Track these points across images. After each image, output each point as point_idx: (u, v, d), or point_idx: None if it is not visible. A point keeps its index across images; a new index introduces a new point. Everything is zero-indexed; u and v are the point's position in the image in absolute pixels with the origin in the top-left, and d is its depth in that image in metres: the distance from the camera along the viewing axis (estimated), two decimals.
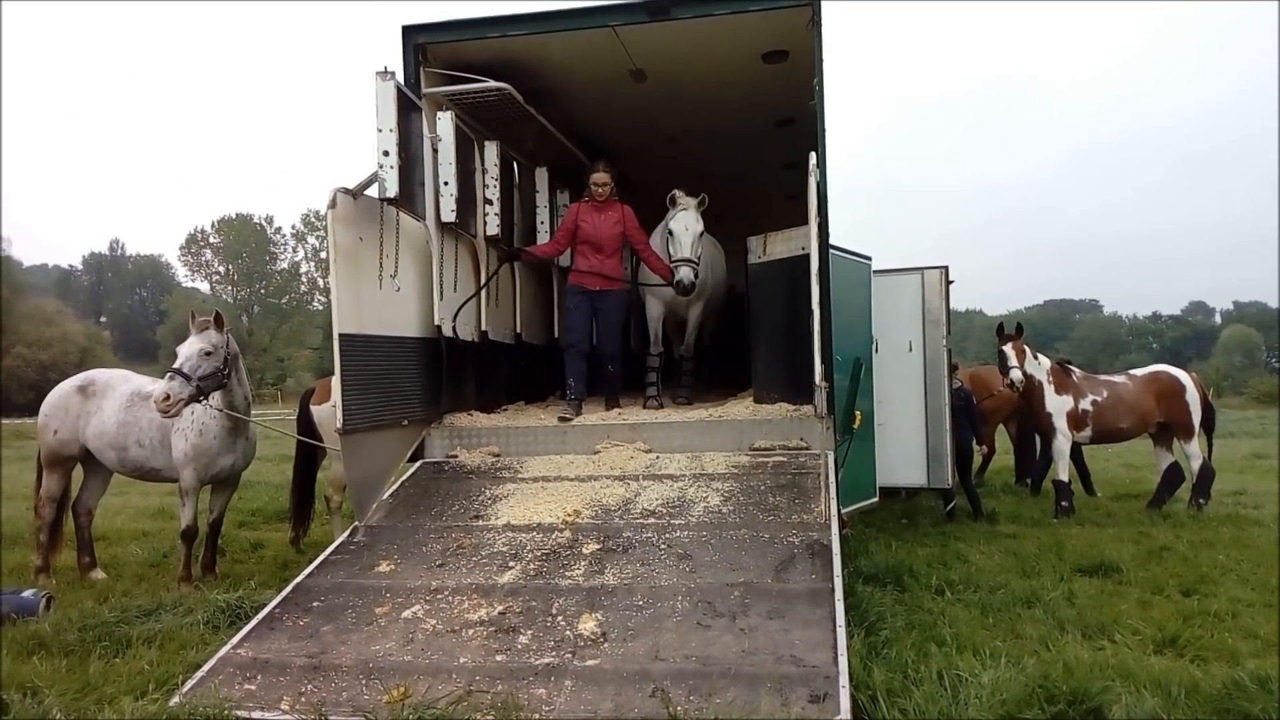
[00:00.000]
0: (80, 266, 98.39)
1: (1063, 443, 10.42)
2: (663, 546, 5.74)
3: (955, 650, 5.14)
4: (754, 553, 5.55)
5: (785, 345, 7.89)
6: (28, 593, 6.54)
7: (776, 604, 4.92)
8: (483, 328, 8.59)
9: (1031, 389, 10.47)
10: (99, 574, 7.82)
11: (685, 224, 8.20)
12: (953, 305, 9.81)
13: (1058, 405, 10.46)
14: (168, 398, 6.67)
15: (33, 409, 8.09)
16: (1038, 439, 11.95)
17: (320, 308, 73.83)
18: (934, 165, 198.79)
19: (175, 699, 4.33)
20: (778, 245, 8.07)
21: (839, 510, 6.06)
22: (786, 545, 5.61)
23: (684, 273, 8.11)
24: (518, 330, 9.63)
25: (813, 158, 6.92)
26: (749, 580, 5.18)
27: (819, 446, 6.93)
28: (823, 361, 6.56)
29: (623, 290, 8.51)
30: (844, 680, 4.14)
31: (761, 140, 10.67)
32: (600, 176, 8.20)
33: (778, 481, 6.62)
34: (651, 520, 6.15)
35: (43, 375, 44.73)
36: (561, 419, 7.83)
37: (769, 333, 8.18)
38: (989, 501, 10.65)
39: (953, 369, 9.99)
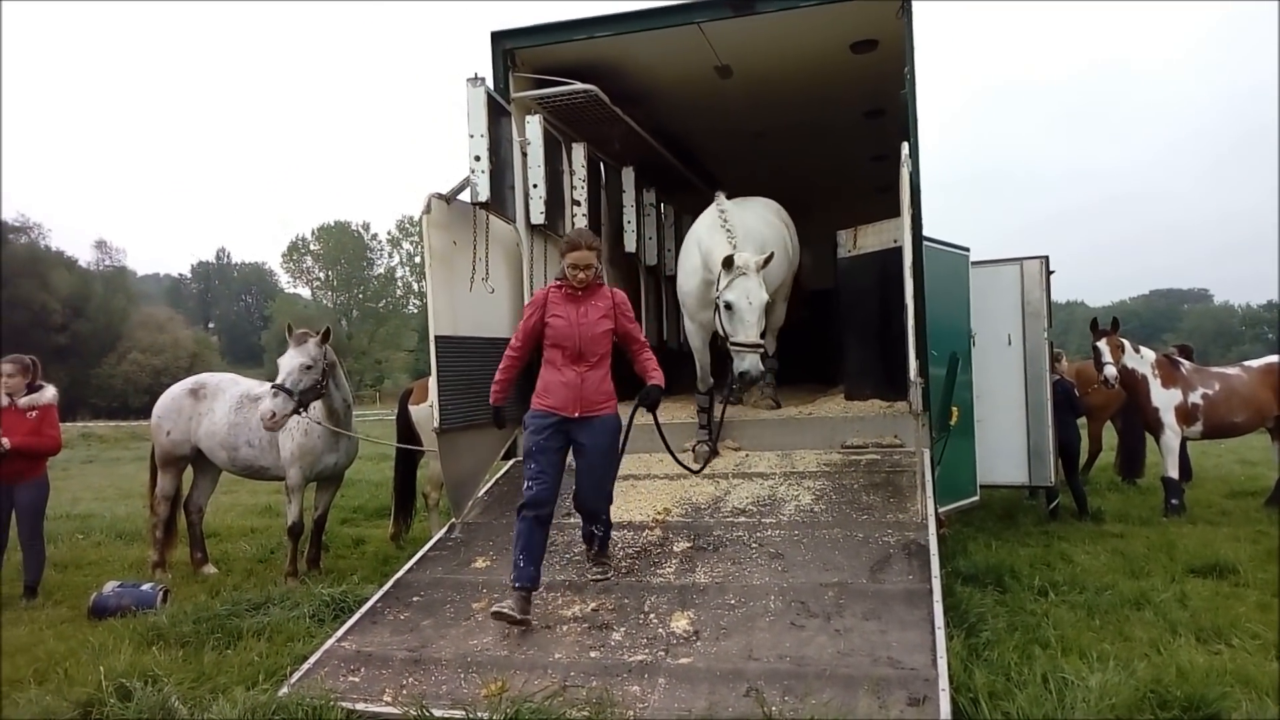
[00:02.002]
0: (189, 275, 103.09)
1: (1171, 438, 9.96)
2: (754, 545, 5.70)
3: (1060, 653, 4.96)
4: (848, 552, 5.46)
5: (877, 340, 7.75)
6: (146, 586, 6.89)
7: (872, 605, 4.84)
8: None
9: (1136, 383, 10.04)
10: (210, 569, 8.18)
11: (748, 294, 6.37)
12: (1053, 296, 9.48)
13: (1165, 399, 10.00)
14: (273, 415, 6.92)
15: (147, 412, 8.50)
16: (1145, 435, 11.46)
17: (415, 311, 75.60)
18: (1030, 151, 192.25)
19: (284, 689, 4.49)
20: (869, 238, 7.92)
21: (936, 509, 5.93)
22: (882, 545, 5.51)
23: (749, 362, 6.31)
24: None
25: (904, 148, 6.78)
26: (843, 580, 5.10)
27: (914, 444, 6.78)
28: (918, 357, 6.41)
29: (614, 417, 5.44)
30: (944, 683, 4.04)
31: (850, 132, 10.50)
32: (582, 256, 5.26)
33: (871, 480, 6.51)
34: (742, 519, 6.12)
35: (156, 380, 46.96)
36: (500, 615, 4.91)
37: (860, 328, 8.03)
38: (1094, 499, 10.25)
39: (1055, 360, 9.65)
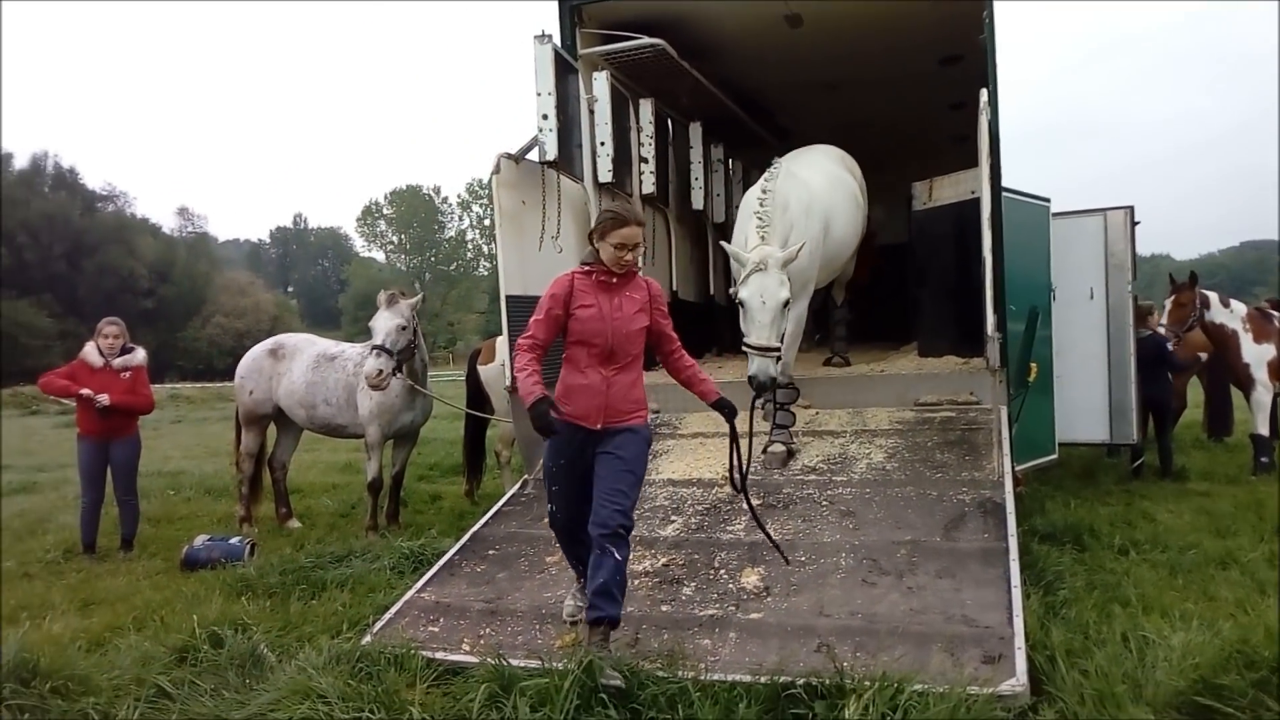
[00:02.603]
0: (268, 240, 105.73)
1: (1263, 394, 9.56)
2: (824, 503, 5.68)
3: (1141, 611, 4.84)
4: (921, 510, 5.40)
5: (953, 295, 7.57)
6: (234, 540, 7.17)
7: (946, 563, 4.78)
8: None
9: (1225, 338, 9.65)
10: (295, 523, 8.47)
11: (762, 292, 5.72)
12: (1138, 249, 9.13)
13: (1257, 355, 9.58)
14: (380, 373, 7.10)
15: (231, 373, 8.79)
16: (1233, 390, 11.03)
17: (485, 273, 76.51)
18: (1117, 98, 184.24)
19: (367, 638, 4.64)
20: (945, 190, 7.72)
21: (1013, 467, 5.81)
22: (956, 503, 5.43)
23: (757, 366, 5.65)
24: (673, 288, 9.66)
25: (983, 95, 6.55)
26: (916, 538, 5.05)
27: (991, 401, 6.64)
28: (995, 311, 6.25)
29: (644, 429, 4.44)
30: (1019, 641, 3.99)
31: (925, 80, 10.18)
32: (631, 234, 4.33)
33: (946, 438, 6.41)
34: (812, 477, 6.09)
35: (239, 342, 48.41)
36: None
37: (935, 283, 7.86)
38: (1178, 458, 9.92)
39: (1146, 314, 9.32)
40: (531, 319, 4.35)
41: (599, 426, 4.28)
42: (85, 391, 7.04)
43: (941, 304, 7.82)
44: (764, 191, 6.27)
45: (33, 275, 57.40)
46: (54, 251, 60.33)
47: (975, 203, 6.79)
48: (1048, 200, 8.04)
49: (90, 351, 7.30)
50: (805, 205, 6.61)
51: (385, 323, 7.33)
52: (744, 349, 5.86)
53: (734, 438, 4.66)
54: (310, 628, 5.09)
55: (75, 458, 7.46)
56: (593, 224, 4.48)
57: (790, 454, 6.46)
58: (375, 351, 7.19)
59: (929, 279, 7.95)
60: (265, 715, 3.78)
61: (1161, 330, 9.42)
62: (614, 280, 4.36)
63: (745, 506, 5.06)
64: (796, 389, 6.84)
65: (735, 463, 4.72)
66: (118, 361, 7.31)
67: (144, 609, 5.67)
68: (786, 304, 5.77)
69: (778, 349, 5.72)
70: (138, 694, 4.09)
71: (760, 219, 6.11)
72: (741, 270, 5.86)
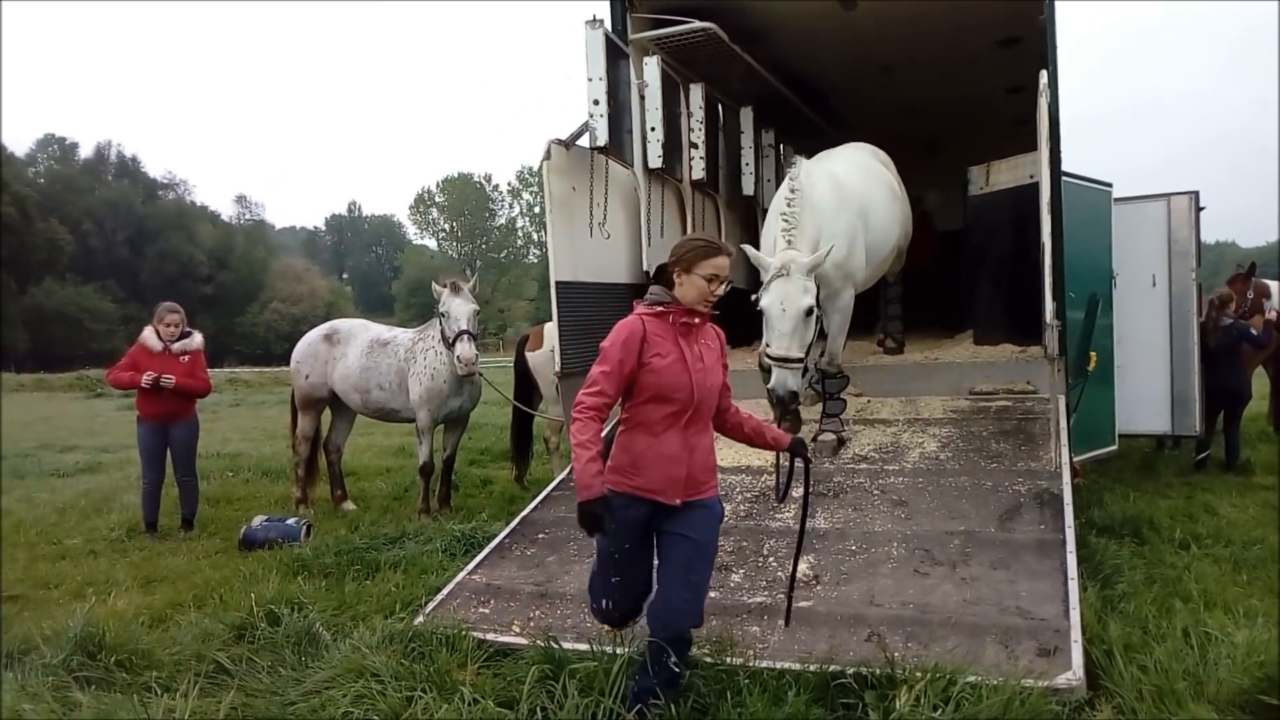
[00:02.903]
0: (323, 228, 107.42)
1: None
2: (876, 492, 5.61)
3: (1203, 607, 4.73)
4: (975, 501, 5.32)
5: (1010, 282, 7.43)
6: (290, 521, 7.31)
7: (1001, 554, 4.71)
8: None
9: None
10: (349, 505, 8.61)
11: (783, 299, 5.36)
12: (1202, 236, 8.86)
13: None
14: (475, 359, 7.43)
15: (288, 358, 8.95)
16: None
17: (535, 260, 76.91)
18: (1181, 81, 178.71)
19: (419, 619, 4.71)
20: (1002, 174, 7.56)
21: (1071, 458, 5.69)
22: (1012, 494, 5.33)
23: (776, 379, 5.33)
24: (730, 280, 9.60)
25: (1043, 77, 6.40)
26: (970, 529, 4.97)
27: (1048, 390, 6.50)
28: (1054, 299, 6.11)
29: (717, 501, 3.83)
30: (1075, 634, 3.91)
31: (982, 62, 9.97)
32: (724, 263, 3.72)
33: (1001, 427, 6.29)
34: (864, 465, 6.02)
35: (295, 328, 49.36)
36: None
37: (992, 269, 7.71)
38: (1242, 451, 9.64)
39: (1226, 302, 9.06)
40: (596, 370, 3.58)
41: (678, 502, 3.56)
42: (149, 375, 7.20)
43: (998, 291, 7.67)
44: (791, 191, 5.91)
45: (97, 261, 59.13)
46: (117, 238, 62.12)
47: (1034, 187, 6.64)
48: (1109, 185, 7.84)
49: (149, 336, 7.44)
50: (837, 201, 6.36)
51: (463, 308, 7.50)
52: (763, 360, 5.52)
53: (791, 471, 4.31)
54: (364, 608, 5.18)
55: (136, 440, 7.63)
56: (671, 256, 3.72)
57: (841, 442, 6.33)
58: (465, 338, 7.39)
59: (985, 265, 7.80)
60: (320, 693, 3.86)
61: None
62: (695, 322, 3.67)
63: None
64: (846, 377, 6.68)
65: (785, 484, 4.48)
66: (176, 346, 7.45)
67: (203, 587, 5.82)
68: (810, 312, 5.34)
69: (799, 360, 5.30)
70: (197, 669, 4.19)
71: (786, 221, 5.76)
72: (765, 275, 5.51)
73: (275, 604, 4.97)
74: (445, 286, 7.68)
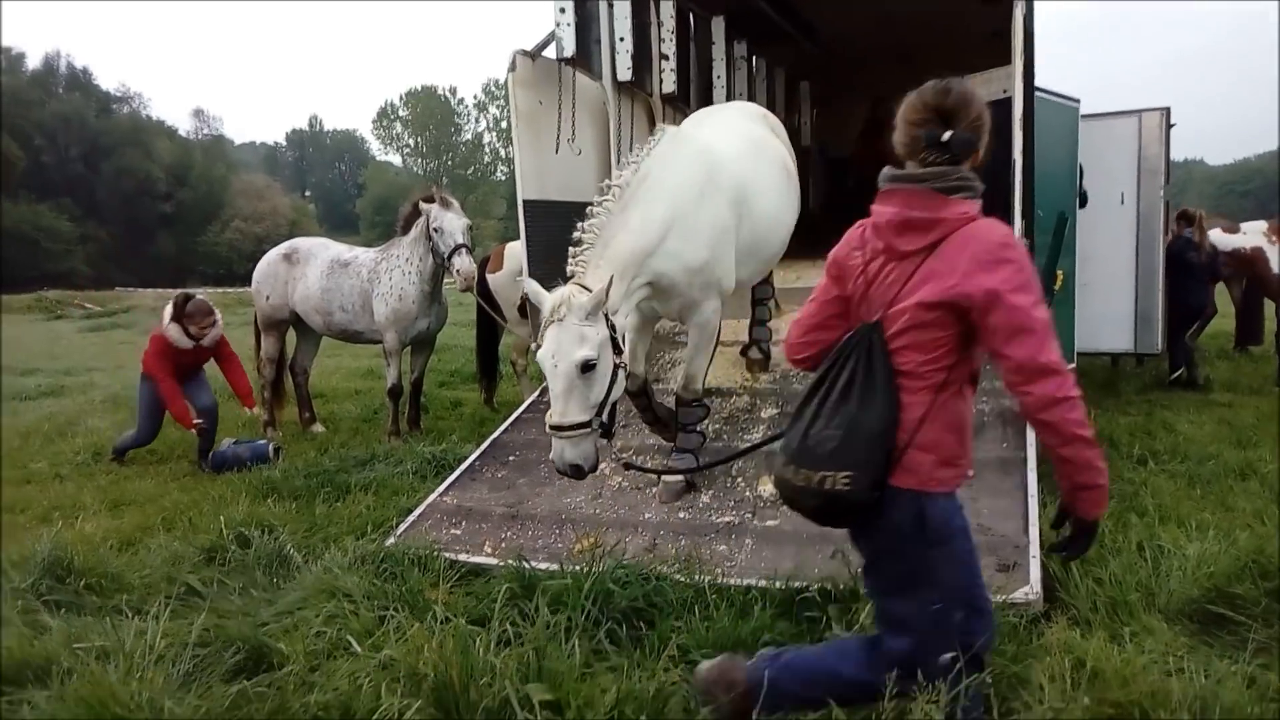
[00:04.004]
0: (284, 143, 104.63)
1: None
2: None
3: (1158, 521, 4.85)
4: None
5: (982, 199, 7.39)
6: (260, 443, 7.29)
7: None
8: None
9: (1250, 260, 9.47)
10: (319, 428, 8.59)
11: (553, 353, 4.01)
12: (1171, 154, 8.86)
13: None
14: (474, 273, 7.40)
15: (251, 278, 8.79)
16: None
17: (503, 178, 75.63)
18: None
19: (391, 540, 4.74)
20: (977, 89, 7.45)
21: None
22: (975, 413, 5.37)
23: (554, 451, 4.12)
24: None
25: None
26: None
27: None
28: (1023, 217, 6.10)
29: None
30: (1034, 549, 4.01)
31: None
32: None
33: None
34: None
35: (258, 247, 48.29)
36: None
37: None
38: (1203, 368, 9.82)
39: (1192, 220, 9.13)
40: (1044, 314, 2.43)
41: (936, 490, 2.59)
42: (198, 422, 7.10)
43: None
44: (604, 190, 4.55)
45: (51, 178, 57.27)
46: (71, 154, 60.08)
47: (1006, 103, 6.56)
48: (1077, 101, 7.76)
49: (178, 336, 7.12)
50: (701, 184, 4.81)
51: (457, 223, 7.43)
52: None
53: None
54: (335, 529, 5.20)
55: (137, 394, 7.46)
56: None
57: (689, 486, 5.10)
58: (462, 251, 7.33)
59: None
60: (293, 613, 3.89)
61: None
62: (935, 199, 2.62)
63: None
64: (706, 407, 5.36)
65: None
66: (206, 341, 7.25)
67: (172, 510, 5.82)
68: (589, 366, 3.94)
69: (579, 427, 3.96)
70: (168, 592, 4.20)
71: (591, 233, 4.37)
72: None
73: (245, 526, 4.98)
74: (435, 201, 7.52)
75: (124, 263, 55.03)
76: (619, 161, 7.69)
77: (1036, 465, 4.68)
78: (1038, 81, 6.66)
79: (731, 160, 5.16)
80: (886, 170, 2.64)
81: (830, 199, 13.64)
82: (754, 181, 5.30)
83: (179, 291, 7.49)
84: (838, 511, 2.56)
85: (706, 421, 5.36)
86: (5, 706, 3.12)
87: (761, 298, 6.55)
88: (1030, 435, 4.95)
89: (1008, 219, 6.35)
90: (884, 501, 2.50)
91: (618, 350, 4.12)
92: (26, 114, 56.76)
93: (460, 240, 7.34)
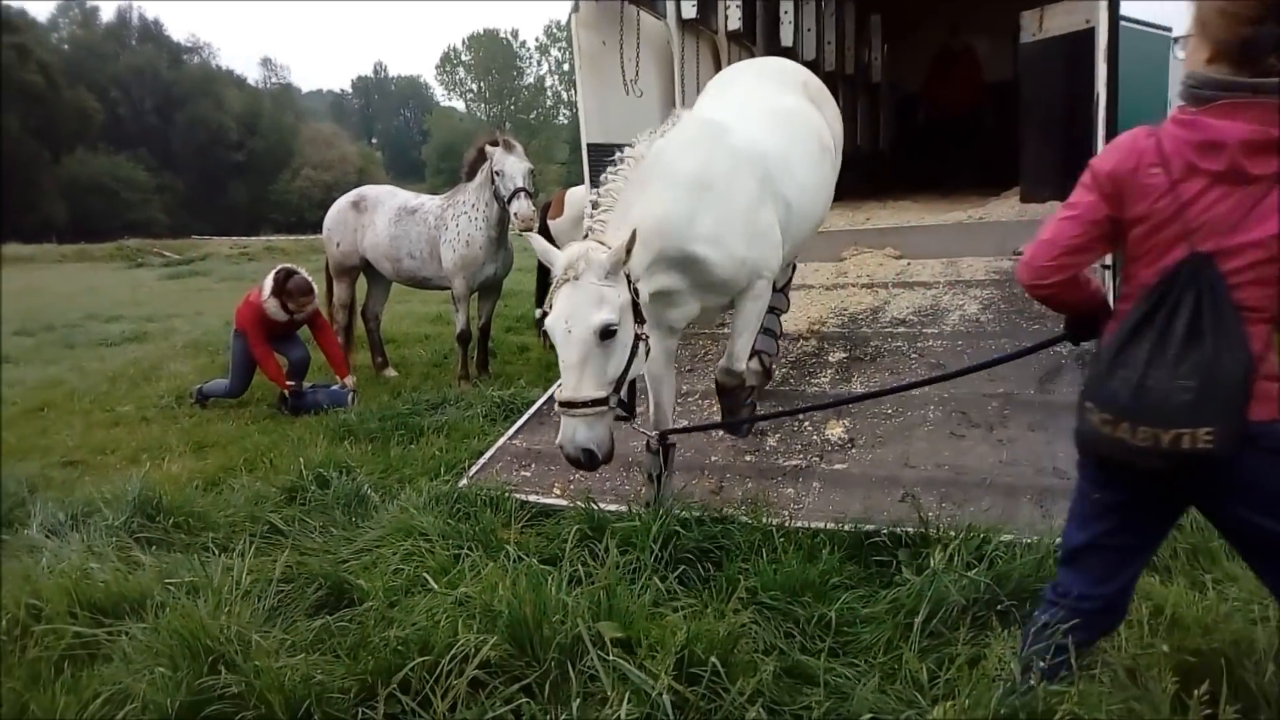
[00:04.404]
0: (350, 91, 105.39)
1: None
2: (913, 355, 5.57)
3: None
4: (1015, 363, 5.25)
5: (1061, 136, 7.11)
6: (336, 387, 7.47)
7: (1039, 416, 4.68)
8: None
9: None
10: (391, 372, 8.75)
11: (567, 317, 3.46)
12: None
13: None
14: (533, 215, 7.38)
15: (321, 225, 8.92)
16: None
17: (565, 122, 75.21)
18: None
19: (463, 481, 4.84)
20: (1057, 19, 7.13)
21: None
22: (1053, 355, 5.26)
23: (563, 433, 3.57)
24: None
25: None
26: (1009, 391, 4.94)
27: None
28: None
29: None
30: None
31: None
32: None
33: None
34: (901, 329, 5.96)
35: (327, 194, 49.13)
36: None
37: (1042, 122, 7.37)
38: None
39: None
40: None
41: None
42: (291, 385, 7.33)
43: (1048, 145, 7.36)
44: (620, 160, 3.96)
45: (127, 130, 58.76)
46: (145, 105, 61.48)
47: (1089, 34, 6.27)
48: (1169, 29, 7.38)
49: (275, 311, 7.26)
50: (725, 168, 4.10)
51: (518, 166, 7.39)
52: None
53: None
54: (409, 471, 5.31)
55: (230, 349, 7.67)
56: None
57: (752, 432, 5.00)
58: (521, 195, 7.30)
59: (1036, 118, 7.46)
60: (371, 550, 4.01)
61: None
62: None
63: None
64: (751, 388, 4.87)
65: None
66: (300, 316, 7.42)
67: (254, 452, 6.00)
68: (609, 332, 3.40)
69: (597, 403, 3.44)
70: (252, 530, 4.36)
71: (599, 199, 3.87)
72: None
73: (324, 467, 5.11)
74: (498, 145, 7.52)
75: (199, 211, 56.49)
76: (683, 102, 7.58)
77: None
78: (1127, 10, 6.34)
79: (759, 138, 4.41)
80: (1214, 77, 2.18)
81: (901, 136, 13.30)
82: (781, 158, 4.49)
83: (280, 266, 7.55)
84: (1190, 471, 2.23)
85: (752, 402, 4.81)
86: (105, 637, 3.29)
87: (773, 304, 5.20)
88: None
89: (1091, 153, 6.11)
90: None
91: (640, 319, 3.60)
92: (102, 67, 58.11)
93: (520, 184, 7.32)
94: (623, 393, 3.62)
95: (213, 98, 62.28)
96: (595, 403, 3.42)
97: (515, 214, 7.30)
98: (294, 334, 7.71)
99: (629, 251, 3.42)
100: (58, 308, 15.95)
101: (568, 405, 3.45)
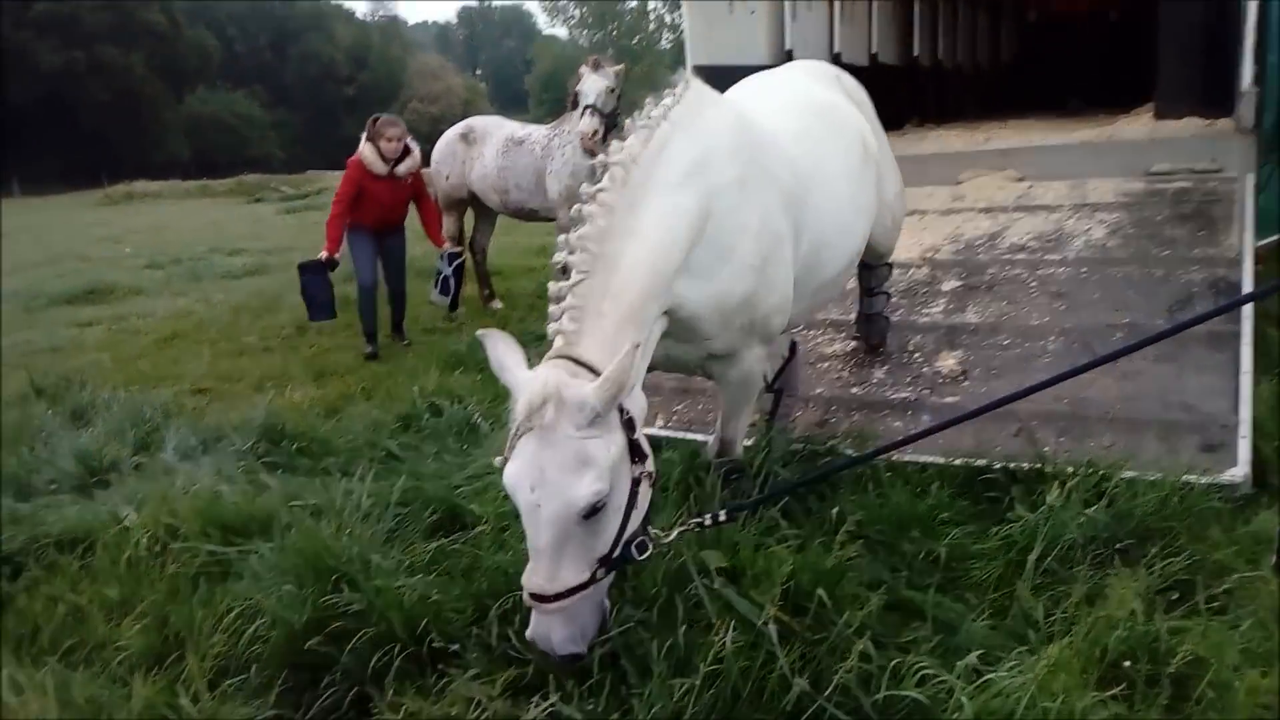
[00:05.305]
0: (455, 21, 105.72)
1: None
2: (1033, 284, 5.33)
3: None
4: (1143, 291, 4.98)
5: (1202, 45, 6.58)
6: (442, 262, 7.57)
7: (1167, 347, 4.40)
8: (835, 49, 8.05)
9: None
10: (497, 304, 8.88)
11: (533, 481, 2.41)
12: None
13: None
14: (595, 132, 7.08)
15: (429, 159, 9.01)
16: None
17: (668, 46, 73.78)
18: None
19: None
20: None
21: (1254, 243, 5.20)
22: (1183, 284, 4.96)
23: (535, 629, 2.51)
24: (872, 50, 8.93)
25: None
26: (1135, 321, 4.68)
27: (1237, 168, 5.86)
28: (1255, 61, 5.38)
29: None
30: (1245, 429, 3.71)
31: None
32: None
33: (1178, 211, 5.78)
34: (1021, 256, 5.70)
35: (434, 128, 49.68)
36: None
37: (1181, 30, 6.80)
38: None
39: None
40: None
41: None
42: (334, 257, 6.95)
43: (1187, 56, 6.80)
44: (595, 174, 2.85)
45: (243, 66, 60.51)
46: (260, 42, 63.06)
47: None
48: None
49: (372, 158, 7.05)
50: (739, 169, 3.05)
51: (594, 84, 7.25)
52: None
53: None
54: None
55: (349, 246, 7.26)
56: None
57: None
58: (589, 111, 7.15)
59: (1174, 26, 6.89)
60: (482, 477, 4.11)
61: None
62: None
63: None
64: (742, 468, 3.69)
65: None
66: (401, 169, 7.18)
67: (370, 380, 6.24)
68: (596, 509, 2.39)
69: (574, 592, 2.41)
70: (370, 455, 4.55)
71: (567, 261, 2.84)
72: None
73: (436, 396, 5.28)
74: (588, 64, 7.43)
75: (313, 146, 58.08)
76: (794, 18, 7.31)
77: (1253, 340, 4.28)
78: None
79: (788, 139, 3.46)
80: None
81: (1024, 49, 12.61)
82: (810, 167, 3.47)
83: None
84: None
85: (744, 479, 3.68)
86: (236, 555, 3.50)
87: (874, 285, 4.88)
88: (1248, 308, 4.52)
89: (1233, 67, 5.66)
90: None
91: (638, 455, 2.52)
92: (217, 5, 59.67)
93: (589, 101, 7.13)
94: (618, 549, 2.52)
95: (323, 32, 63.53)
96: (570, 594, 2.40)
97: (579, 130, 7.16)
98: (398, 238, 7.47)
99: (621, 385, 2.36)
100: (184, 241, 16.80)
101: (539, 599, 2.40)
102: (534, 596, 2.41)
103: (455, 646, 2.77)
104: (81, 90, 47.89)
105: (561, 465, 2.35)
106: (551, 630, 2.43)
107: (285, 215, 22.72)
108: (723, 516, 2.82)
